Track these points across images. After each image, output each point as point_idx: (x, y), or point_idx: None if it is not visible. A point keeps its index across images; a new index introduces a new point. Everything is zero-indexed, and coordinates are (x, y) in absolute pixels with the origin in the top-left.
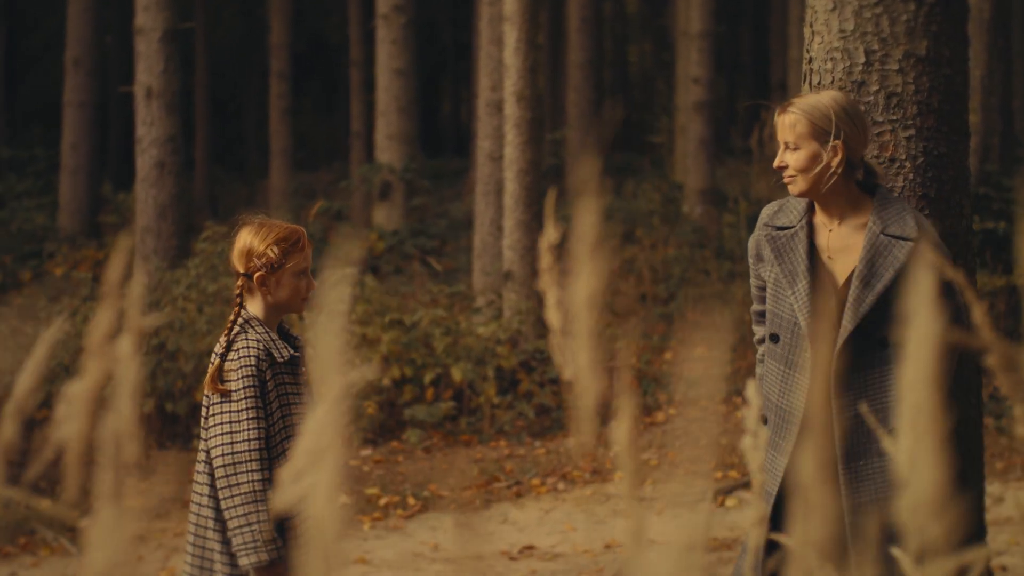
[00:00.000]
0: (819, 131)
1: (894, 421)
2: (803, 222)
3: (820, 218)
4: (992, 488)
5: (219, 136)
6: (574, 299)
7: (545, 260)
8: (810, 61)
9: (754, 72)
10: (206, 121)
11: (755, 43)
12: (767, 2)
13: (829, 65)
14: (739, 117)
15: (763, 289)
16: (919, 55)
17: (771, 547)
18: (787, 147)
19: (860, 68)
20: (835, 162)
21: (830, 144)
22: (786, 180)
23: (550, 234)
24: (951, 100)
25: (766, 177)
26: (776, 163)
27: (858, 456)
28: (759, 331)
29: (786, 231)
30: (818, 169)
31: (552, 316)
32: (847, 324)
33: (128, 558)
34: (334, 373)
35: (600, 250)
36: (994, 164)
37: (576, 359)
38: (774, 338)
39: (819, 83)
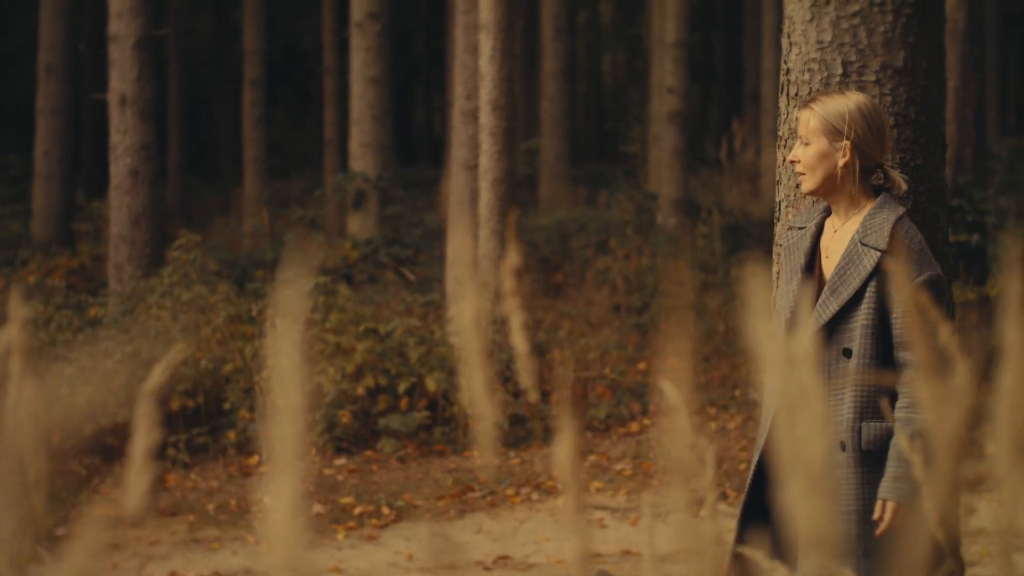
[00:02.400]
0: (831, 129)
1: (844, 435)
2: (815, 223)
3: (832, 220)
4: (965, 499)
5: (193, 144)
6: (460, 322)
7: (508, 283)
8: (787, 72)
9: (727, 82)
10: (180, 129)
11: (728, 53)
12: (740, 12)
13: (806, 76)
14: (713, 127)
15: None
16: (896, 66)
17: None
18: (801, 142)
19: (837, 79)
20: (842, 162)
21: (840, 144)
22: (798, 176)
23: (511, 257)
24: (928, 111)
25: (739, 187)
26: (790, 157)
27: None
28: None
29: (800, 231)
30: (825, 167)
31: (517, 339)
32: (808, 330)
33: (103, 566)
34: (296, 383)
35: (480, 271)
36: (967, 176)
37: (471, 382)
38: None
39: (796, 94)
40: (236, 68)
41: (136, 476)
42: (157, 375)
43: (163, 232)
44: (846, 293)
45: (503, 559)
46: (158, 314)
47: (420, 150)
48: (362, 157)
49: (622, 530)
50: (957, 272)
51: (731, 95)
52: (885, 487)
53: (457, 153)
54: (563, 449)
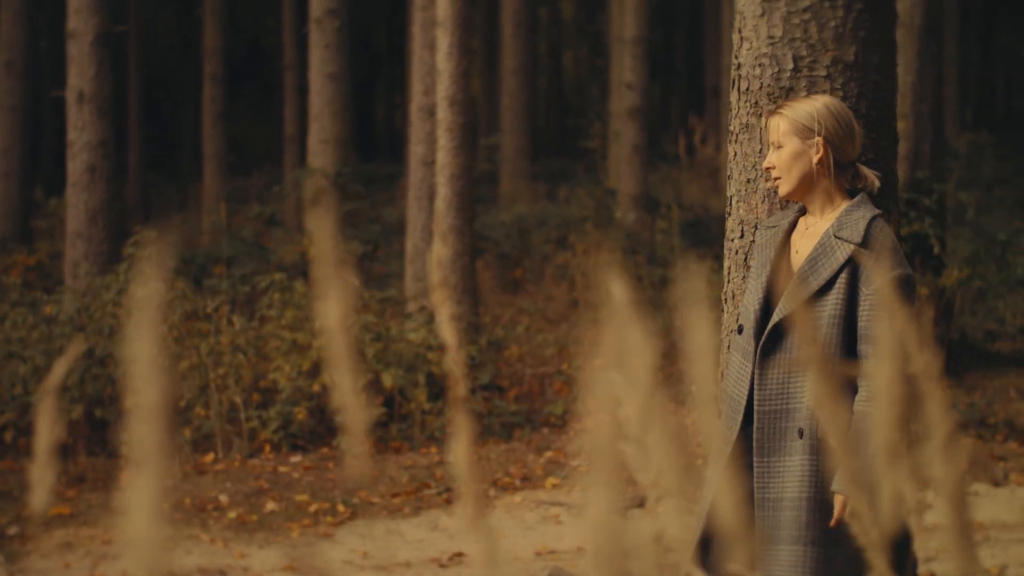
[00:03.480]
0: (802, 128)
1: (803, 422)
2: (788, 220)
3: (805, 218)
4: (921, 494)
5: (153, 140)
6: (326, 322)
7: (436, 276)
8: (739, 67)
9: (688, 78)
10: (139, 125)
11: (689, 49)
12: (701, 9)
13: (757, 71)
14: (674, 123)
15: None
16: (847, 61)
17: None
18: (773, 147)
19: (788, 74)
20: (816, 158)
21: (812, 141)
22: (774, 181)
23: (438, 250)
24: (879, 106)
25: (699, 183)
26: (765, 164)
27: (769, 453)
28: None
29: (772, 229)
30: (800, 167)
31: (446, 332)
32: (774, 316)
33: (55, 564)
34: (150, 380)
35: (343, 268)
36: (924, 170)
37: (340, 383)
38: (739, 329)
39: (747, 89)
40: (197, 65)
41: (40, 474)
42: (56, 374)
43: (121, 229)
44: (816, 283)
45: (459, 556)
46: (113, 311)
47: (380, 146)
48: (321, 153)
49: (578, 526)
50: (913, 265)
51: (692, 91)
52: (838, 481)
53: (415, 149)
54: (459, 452)
